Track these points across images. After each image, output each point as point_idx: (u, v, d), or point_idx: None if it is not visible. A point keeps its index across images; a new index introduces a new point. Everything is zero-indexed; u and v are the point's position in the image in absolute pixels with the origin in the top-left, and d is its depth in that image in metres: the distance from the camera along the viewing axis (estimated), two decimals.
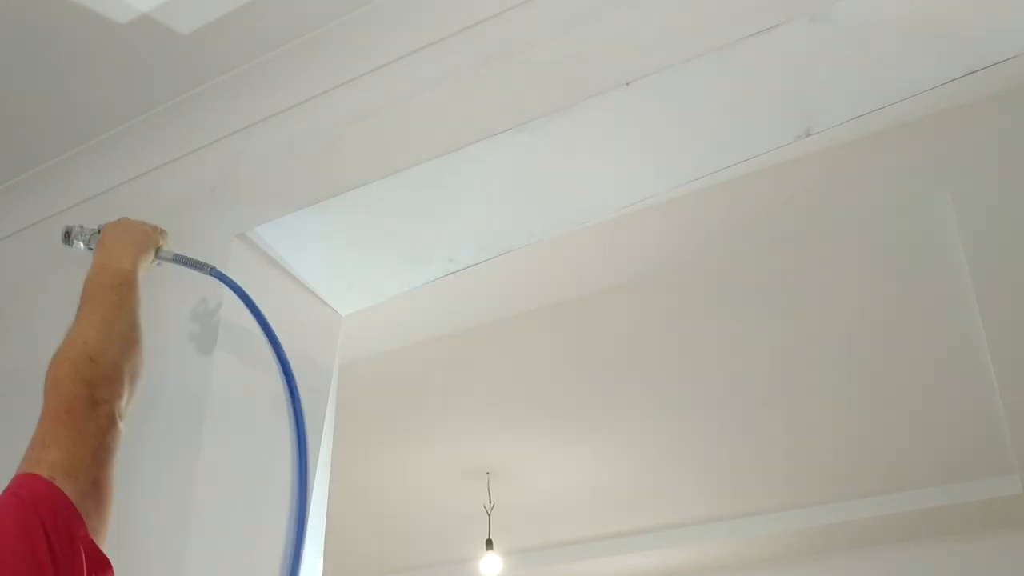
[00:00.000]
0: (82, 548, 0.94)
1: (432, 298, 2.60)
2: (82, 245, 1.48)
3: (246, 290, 1.44)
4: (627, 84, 1.33)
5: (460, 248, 1.63)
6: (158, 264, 1.42)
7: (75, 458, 1.02)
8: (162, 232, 1.44)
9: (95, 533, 0.98)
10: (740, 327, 3.03)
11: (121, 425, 1.11)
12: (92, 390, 1.10)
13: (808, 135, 1.36)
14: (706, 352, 3.17)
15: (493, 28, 1.47)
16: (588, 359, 3.20)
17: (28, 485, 0.97)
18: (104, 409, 1.09)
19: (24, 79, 1.68)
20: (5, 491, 0.97)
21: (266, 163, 1.63)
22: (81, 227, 1.49)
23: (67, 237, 1.49)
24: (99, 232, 1.43)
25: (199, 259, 1.46)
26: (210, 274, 1.44)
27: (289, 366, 1.48)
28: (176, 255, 1.44)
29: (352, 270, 1.68)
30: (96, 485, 1.03)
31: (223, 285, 1.45)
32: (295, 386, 1.48)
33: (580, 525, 4.41)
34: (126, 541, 1.37)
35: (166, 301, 1.63)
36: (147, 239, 1.41)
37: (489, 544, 3.98)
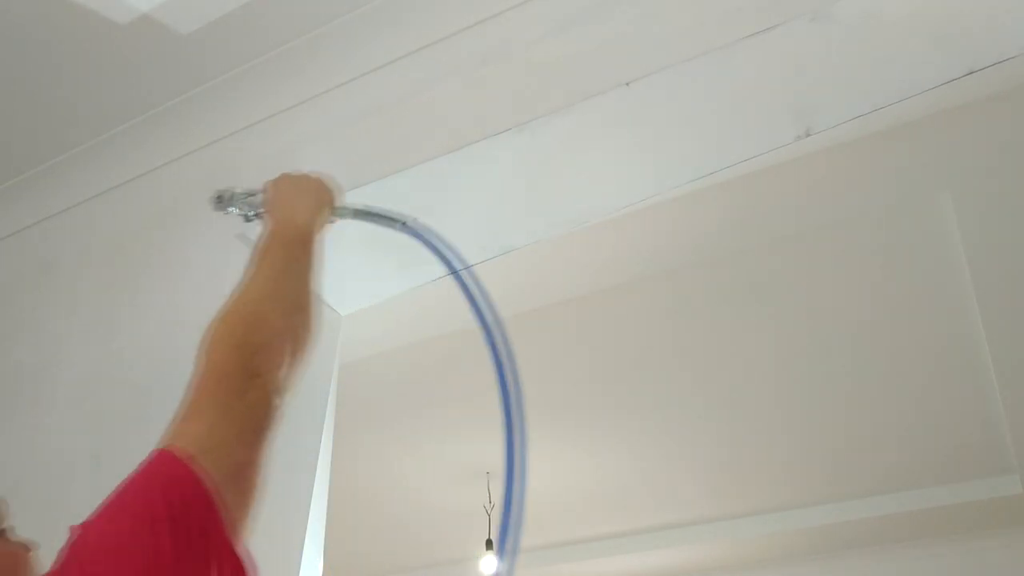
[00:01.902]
0: (215, 544, 0.81)
1: (432, 298, 2.59)
2: (236, 211, 1.32)
3: None
4: (627, 84, 1.33)
5: (460, 248, 1.63)
6: (333, 222, 1.26)
7: (219, 436, 0.88)
8: (337, 186, 1.27)
9: (233, 528, 0.83)
10: (740, 327, 3.03)
11: (276, 403, 0.96)
12: (247, 358, 0.96)
13: (808, 135, 1.36)
14: (705, 352, 3.17)
15: (493, 28, 1.47)
16: (588, 359, 3.20)
17: (162, 462, 0.85)
18: (259, 381, 0.95)
19: (24, 79, 1.68)
20: (139, 467, 0.85)
21: (266, 163, 1.63)
22: (234, 191, 1.33)
23: (219, 202, 1.33)
24: (257, 194, 1.28)
25: (389, 212, 1.26)
26: (402, 230, 1.25)
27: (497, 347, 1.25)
28: (358, 209, 1.27)
29: (352, 270, 1.68)
30: (240, 470, 0.88)
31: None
32: (503, 369, 1.26)
33: (580, 525, 4.41)
34: None
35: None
36: (322, 193, 1.25)
37: (489, 544, 3.98)
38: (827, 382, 3.28)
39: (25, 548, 0.93)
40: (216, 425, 0.89)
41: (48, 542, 1.49)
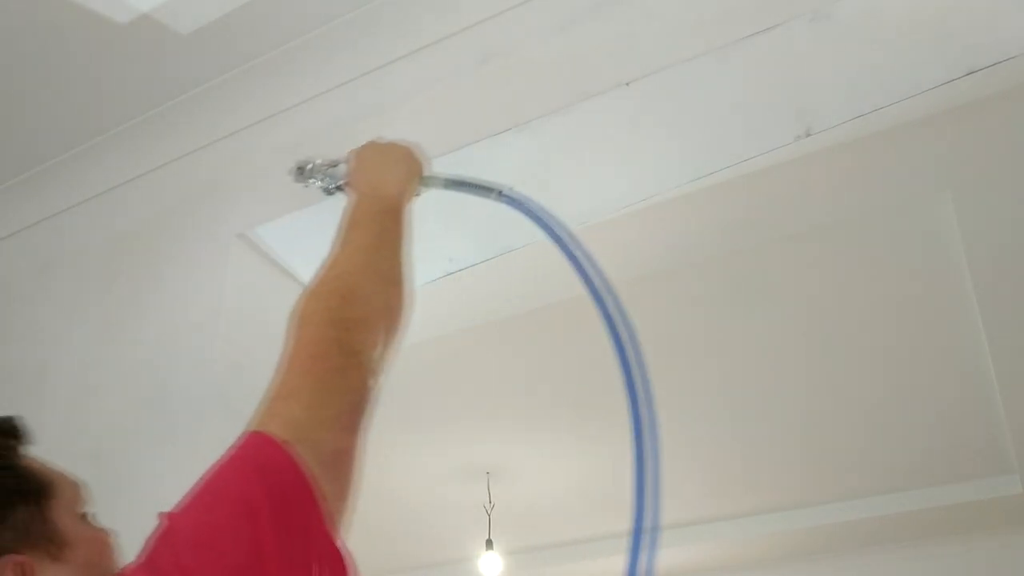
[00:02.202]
0: (314, 537, 0.75)
1: (432, 298, 2.59)
2: (317, 182, 1.26)
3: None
4: (627, 84, 1.33)
5: (460, 248, 1.63)
6: (418, 194, 1.19)
7: (317, 418, 0.82)
8: (425, 154, 1.20)
9: (331, 519, 0.77)
10: (739, 327, 3.03)
11: (372, 385, 0.90)
12: (343, 333, 0.90)
13: (808, 135, 1.36)
14: (705, 352, 3.17)
15: (493, 28, 1.47)
16: (588, 359, 3.19)
17: (256, 446, 0.79)
18: (355, 360, 0.89)
19: (24, 79, 1.68)
20: (229, 451, 0.80)
21: (266, 163, 1.63)
22: (315, 162, 1.26)
23: (300, 174, 1.27)
24: (340, 164, 1.22)
25: (483, 181, 1.19)
26: (499, 199, 1.17)
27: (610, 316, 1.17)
28: (450, 179, 1.20)
29: None
30: (337, 458, 0.82)
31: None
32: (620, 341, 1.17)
33: (580, 525, 4.41)
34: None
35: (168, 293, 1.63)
36: (411, 162, 1.18)
37: (489, 544, 3.98)
38: (827, 382, 3.28)
39: (107, 533, 0.90)
40: (312, 407, 0.82)
41: None
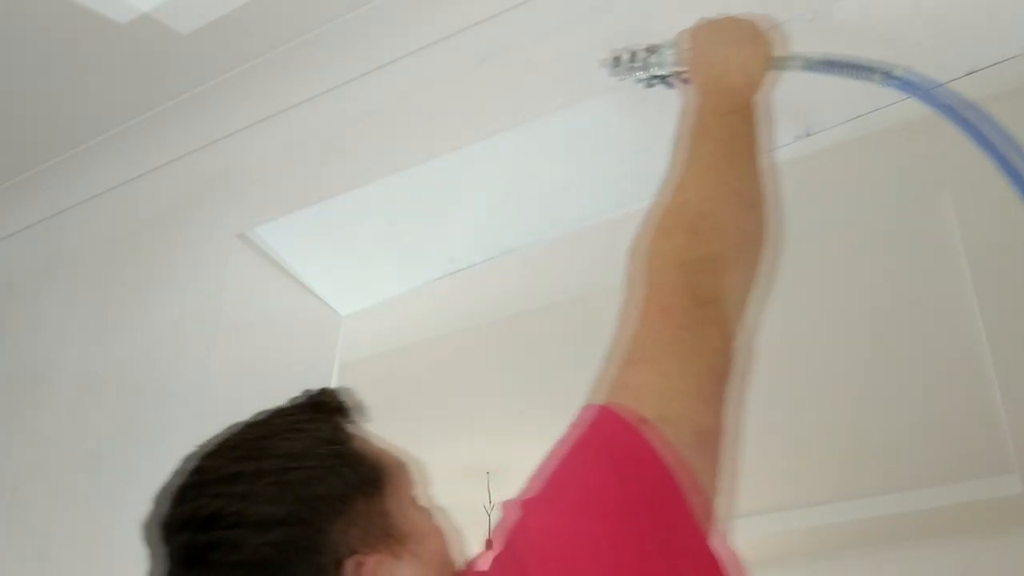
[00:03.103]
0: (682, 540, 0.63)
1: (432, 298, 2.59)
2: (638, 74, 1.05)
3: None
4: (627, 84, 1.33)
5: (460, 248, 1.63)
6: (775, 79, 0.96)
7: (676, 389, 0.67)
8: (774, 28, 0.97)
9: (703, 515, 0.66)
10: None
11: (733, 342, 0.72)
12: (694, 278, 0.72)
13: (808, 135, 1.36)
14: None
15: (493, 28, 1.47)
16: (588, 359, 3.18)
17: (608, 429, 0.66)
18: (712, 312, 0.71)
19: (24, 79, 1.68)
20: (576, 428, 0.69)
21: (266, 163, 1.63)
22: (635, 49, 1.06)
23: (616, 66, 1.08)
24: (664, 50, 1.02)
25: (860, 61, 0.96)
26: (884, 81, 0.96)
27: None
28: (817, 60, 0.97)
29: (352, 270, 1.68)
30: (701, 438, 0.68)
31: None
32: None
33: None
34: (115, 540, 1.37)
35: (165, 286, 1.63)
36: (759, 40, 0.95)
37: (489, 544, 3.98)
38: (827, 382, 3.28)
39: (446, 519, 0.81)
40: (669, 374, 0.68)
41: (48, 542, 1.50)
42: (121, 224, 1.78)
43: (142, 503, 1.44)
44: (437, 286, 1.72)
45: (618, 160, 1.49)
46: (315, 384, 1.62)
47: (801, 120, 1.36)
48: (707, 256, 0.74)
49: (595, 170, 1.51)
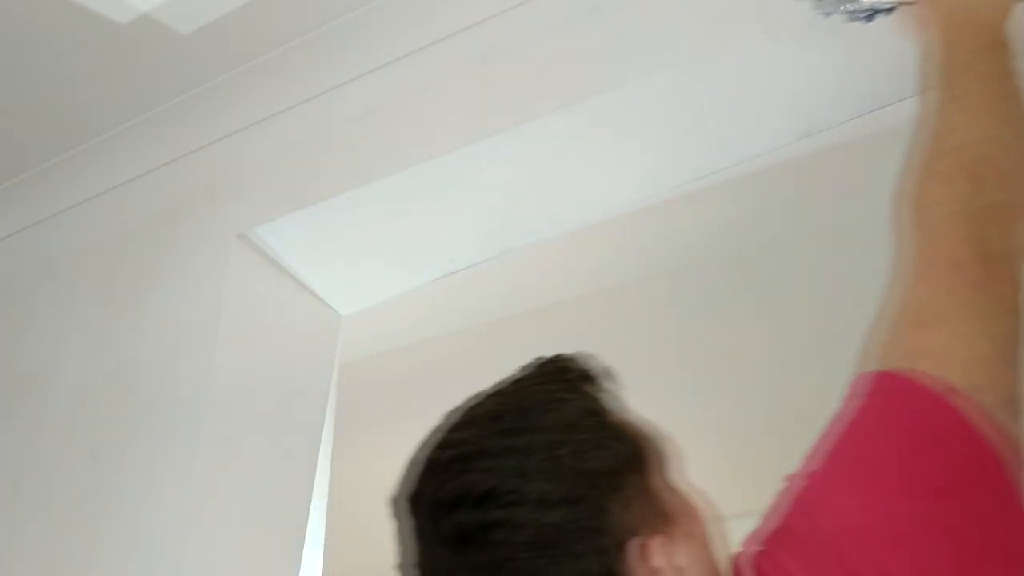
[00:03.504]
0: (1016, 526, 0.56)
1: (432, 298, 2.59)
2: (852, 6, 0.94)
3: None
4: (627, 84, 1.33)
5: (460, 248, 1.63)
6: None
7: (978, 353, 0.61)
8: None
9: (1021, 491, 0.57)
10: (739, 327, 3.03)
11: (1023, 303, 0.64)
12: (980, 229, 0.66)
13: (808, 135, 1.36)
14: (705, 352, 3.17)
15: (493, 28, 1.47)
16: None
17: (908, 396, 0.60)
18: (1003, 267, 0.65)
19: (24, 79, 1.68)
20: (860, 397, 0.63)
21: (266, 163, 1.63)
22: None
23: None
24: None
25: None
26: None
27: None
28: None
29: (352, 270, 1.68)
30: (1010, 406, 0.60)
31: None
32: None
33: None
34: (125, 539, 1.37)
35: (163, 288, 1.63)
36: None
37: None
38: (827, 382, 3.27)
39: (702, 495, 0.75)
40: (970, 338, 0.61)
41: (48, 542, 1.50)
42: (121, 224, 1.78)
43: (142, 503, 1.44)
44: (437, 286, 1.72)
45: (619, 160, 1.49)
46: (315, 384, 1.63)
47: (801, 120, 1.36)
48: (995, 204, 0.68)
49: (595, 170, 1.51)
